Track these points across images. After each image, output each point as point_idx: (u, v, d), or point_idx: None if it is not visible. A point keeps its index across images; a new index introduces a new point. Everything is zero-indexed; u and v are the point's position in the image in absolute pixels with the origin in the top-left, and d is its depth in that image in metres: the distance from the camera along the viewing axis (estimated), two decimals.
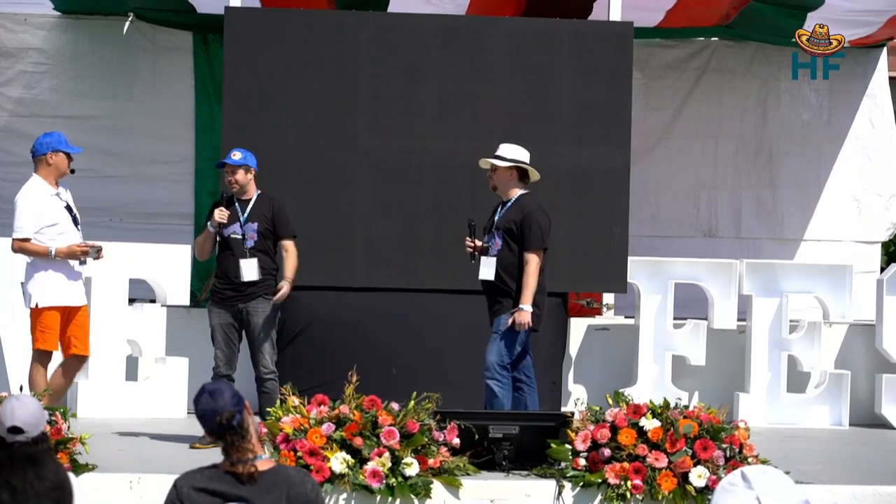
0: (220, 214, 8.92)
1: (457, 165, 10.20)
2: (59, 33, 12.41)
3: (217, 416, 4.32)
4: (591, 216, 10.39)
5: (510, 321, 8.59)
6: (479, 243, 8.79)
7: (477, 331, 9.27)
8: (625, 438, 7.54)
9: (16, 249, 8.86)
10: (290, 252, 8.99)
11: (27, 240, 8.74)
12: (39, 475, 3.01)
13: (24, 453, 3.05)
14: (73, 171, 9.02)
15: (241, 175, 8.98)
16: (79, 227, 8.93)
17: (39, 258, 8.72)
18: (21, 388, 8.45)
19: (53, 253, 8.69)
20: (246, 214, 8.96)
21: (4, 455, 3.03)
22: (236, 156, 8.99)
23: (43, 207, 8.77)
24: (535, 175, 8.81)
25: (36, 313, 8.78)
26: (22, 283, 9.00)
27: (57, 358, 8.95)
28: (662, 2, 11.62)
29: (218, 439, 4.37)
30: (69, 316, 8.82)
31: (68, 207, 8.90)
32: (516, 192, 8.78)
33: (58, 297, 8.75)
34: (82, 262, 8.86)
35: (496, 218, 8.79)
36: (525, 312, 8.56)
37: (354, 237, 10.30)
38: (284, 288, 8.88)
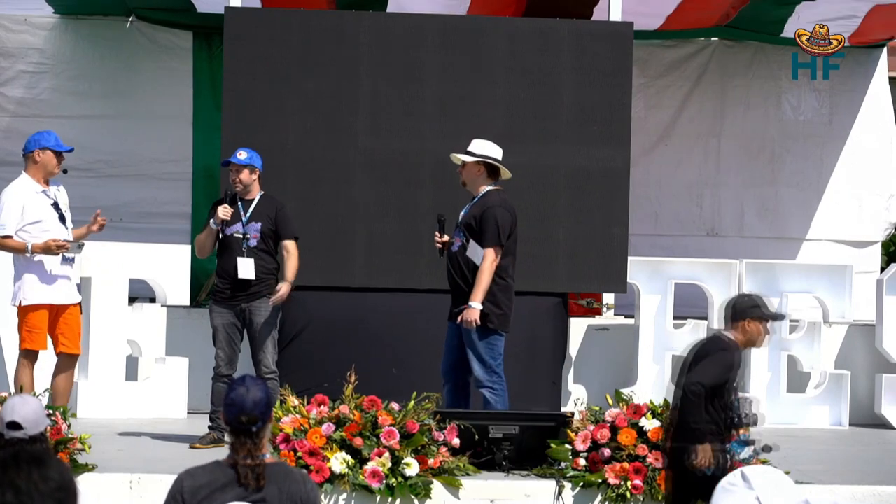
0: (224, 211, 8.89)
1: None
2: (59, 33, 12.41)
3: (242, 413, 4.33)
4: (591, 216, 10.38)
5: (458, 319, 8.42)
6: (447, 239, 8.71)
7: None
8: (625, 438, 7.55)
9: None
10: (291, 253, 8.96)
11: (8, 237, 8.66)
12: (44, 475, 3.01)
13: (28, 453, 3.05)
14: (65, 171, 8.91)
15: (245, 175, 8.97)
16: (66, 225, 8.81)
17: (23, 256, 8.65)
18: (21, 389, 8.43)
19: (30, 249, 8.60)
20: (248, 214, 8.95)
21: (9, 454, 3.03)
22: (242, 155, 8.97)
23: (26, 204, 8.69)
24: (506, 174, 8.66)
25: (21, 311, 8.71)
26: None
27: (44, 357, 8.85)
28: (662, 7, 11.60)
29: (231, 434, 4.37)
30: (57, 314, 8.74)
31: (56, 205, 8.80)
32: (484, 189, 8.64)
33: (43, 295, 8.66)
34: (67, 260, 8.73)
35: (461, 214, 8.70)
36: (473, 310, 8.32)
37: (354, 237, 10.29)
38: (283, 289, 8.84)
